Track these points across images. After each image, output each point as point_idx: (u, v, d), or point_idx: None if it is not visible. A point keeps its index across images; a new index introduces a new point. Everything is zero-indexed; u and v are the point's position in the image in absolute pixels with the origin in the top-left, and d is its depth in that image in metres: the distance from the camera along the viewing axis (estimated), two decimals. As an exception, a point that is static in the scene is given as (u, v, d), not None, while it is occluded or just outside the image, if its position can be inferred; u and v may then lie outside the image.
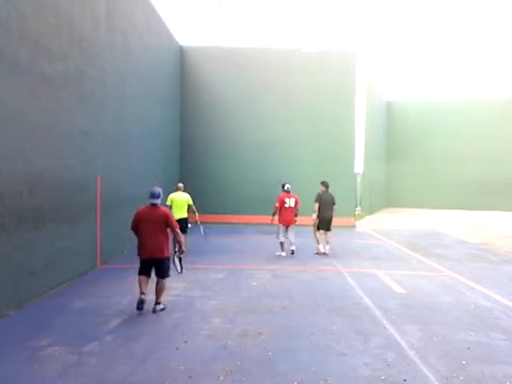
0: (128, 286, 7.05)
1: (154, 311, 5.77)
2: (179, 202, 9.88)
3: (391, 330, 5.23)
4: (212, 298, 6.44)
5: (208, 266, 8.80)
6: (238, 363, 4.19)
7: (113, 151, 9.28)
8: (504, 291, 7.15)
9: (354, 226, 16.66)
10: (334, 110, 16.55)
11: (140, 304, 5.68)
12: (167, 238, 6.00)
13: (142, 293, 5.79)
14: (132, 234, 6.15)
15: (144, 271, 5.97)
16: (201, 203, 16.68)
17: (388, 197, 28.39)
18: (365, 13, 35.09)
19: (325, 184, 10.64)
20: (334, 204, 10.49)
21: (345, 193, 16.14)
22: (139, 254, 6.03)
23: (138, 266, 8.73)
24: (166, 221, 5.89)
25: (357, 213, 19.80)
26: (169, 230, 5.99)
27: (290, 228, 10.17)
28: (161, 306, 5.88)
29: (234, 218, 16.47)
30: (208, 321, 5.42)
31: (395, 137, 28.74)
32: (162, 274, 5.95)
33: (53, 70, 6.68)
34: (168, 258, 6.02)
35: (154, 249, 5.86)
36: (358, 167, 19.61)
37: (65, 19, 7.05)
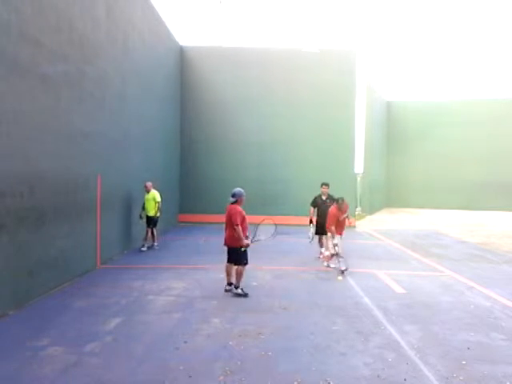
0: (128, 286, 7.05)
1: (233, 293, 6.63)
2: (149, 201, 10.69)
3: (391, 329, 5.23)
4: (212, 298, 6.44)
5: (208, 266, 8.79)
6: (238, 363, 4.19)
7: (113, 151, 9.27)
8: (504, 291, 7.15)
9: (354, 226, 16.65)
10: (334, 110, 16.54)
11: (226, 291, 6.78)
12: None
13: (227, 283, 6.81)
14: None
15: (228, 259, 6.89)
16: (201, 203, 16.77)
17: (388, 197, 28.39)
18: (365, 13, 35.09)
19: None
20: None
21: (345, 193, 16.06)
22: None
23: (137, 266, 8.77)
24: (230, 217, 6.65)
25: (357, 213, 19.78)
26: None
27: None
28: (238, 291, 6.63)
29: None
30: (208, 321, 5.42)
31: (395, 137, 28.74)
32: (235, 261, 6.74)
33: (53, 69, 6.68)
34: (237, 248, 6.66)
35: (226, 238, 6.77)
36: (358, 167, 19.60)
37: (65, 19, 7.05)
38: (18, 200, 5.71)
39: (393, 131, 28.82)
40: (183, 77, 16.63)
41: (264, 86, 16.76)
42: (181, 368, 4.06)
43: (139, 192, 11.20)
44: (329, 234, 9.06)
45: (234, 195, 6.84)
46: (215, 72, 16.79)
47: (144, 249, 10.38)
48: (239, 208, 6.75)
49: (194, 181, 16.58)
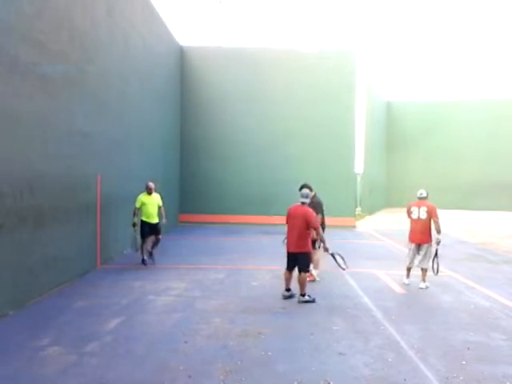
0: (128, 286, 7.05)
1: (298, 301, 6.32)
2: (153, 205, 8.84)
3: (391, 329, 5.23)
4: (212, 298, 6.44)
5: (208, 266, 8.79)
6: (238, 363, 4.19)
7: (113, 151, 9.27)
8: (504, 291, 7.15)
9: (354, 226, 16.66)
10: (334, 110, 16.55)
11: (284, 297, 6.47)
12: (307, 235, 6.39)
13: (286, 289, 6.52)
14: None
15: (287, 266, 6.55)
16: (201, 203, 16.79)
17: (388, 197, 28.39)
18: (365, 13, 35.11)
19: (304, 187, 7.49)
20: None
21: (345, 193, 16.17)
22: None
23: (137, 266, 8.76)
24: (305, 219, 6.33)
25: (357, 213, 19.80)
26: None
27: (421, 248, 7.54)
28: (305, 298, 6.32)
29: (234, 218, 16.48)
30: (208, 321, 5.42)
31: (395, 137, 28.74)
32: (300, 267, 6.39)
33: (53, 69, 6.68)
34: (306, 253, 6.43)
35: (293, 243, 6.40)
36: (358, 167, 19.61)
37: (65, 19, 7.05)
38: (18, 200, 5.70)
39: (392, 131, 28.83)
40: (183, 77, 16.64)
41: (263, 85, 16.76)
42: (181, 368, 4.06)
43: (139, 192, 11.19)
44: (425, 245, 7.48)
45: (307, 196, 6.55)
46: (215, 72, 16.79)
47: (147, 259, 8.75)
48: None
49: (194, 181, 16.59)
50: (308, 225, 6.36)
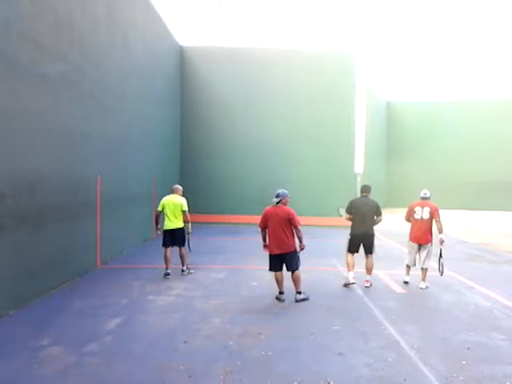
0: (128, 286, 7.05)
1: (296, 300, 6.31)
2: (172, 208, 7.93)
3: (391, 329, 5.23)
4: (212, 298, 6.44)
5: (208, 266, 8.80)
6: (238, 363, 4.19)
7: (113, 151, 9.27)
8: (504, 291, 7.14)
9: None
10: (334, 110, 16.55)
11: (279, 300, 6.39)
12: (292, 234, 6.40)
13: (280, 292, 6.49)
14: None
15: (275, 267, 6.48)
16: (201, 203, 16.78)
17: (388, 197, 28.38)
18: (365, 13, 35.09)
19: (363, 189, 8.03)
20: (376, 215, 7.84)
21: (345, 193, 16.12)
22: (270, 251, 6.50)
23: (137, 266, 8.76)
24: (288, 219, 6.32)
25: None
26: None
27: (423, 248, 7.68)
28: (301, 296, 6.36)
29: (234, 218, 16.47)
30: (208, 321, 5.42)
31: (395, 137, 28.75)
32: (292, 267, 6.40)
33: (53, 69, 6.68)
34: (294, 253, 6.40)
35: (280, 244, 6.33)
36: (358, 167, 19.60)
37: (65, 19, 7.05)
38: (18, 200, 5.71)
39: (393, 131, 28.84)
40: (183, 77, 16.64)
41: (264, 85, 16.76)
42: (181, 368, 4.06)
43: (139, 192, 11.20)
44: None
45: (278, 195, 6.45)
46: (215, 72, 16.79)
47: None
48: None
49: (193, 181, 16.58)
50: (291, 224, 6.35)
